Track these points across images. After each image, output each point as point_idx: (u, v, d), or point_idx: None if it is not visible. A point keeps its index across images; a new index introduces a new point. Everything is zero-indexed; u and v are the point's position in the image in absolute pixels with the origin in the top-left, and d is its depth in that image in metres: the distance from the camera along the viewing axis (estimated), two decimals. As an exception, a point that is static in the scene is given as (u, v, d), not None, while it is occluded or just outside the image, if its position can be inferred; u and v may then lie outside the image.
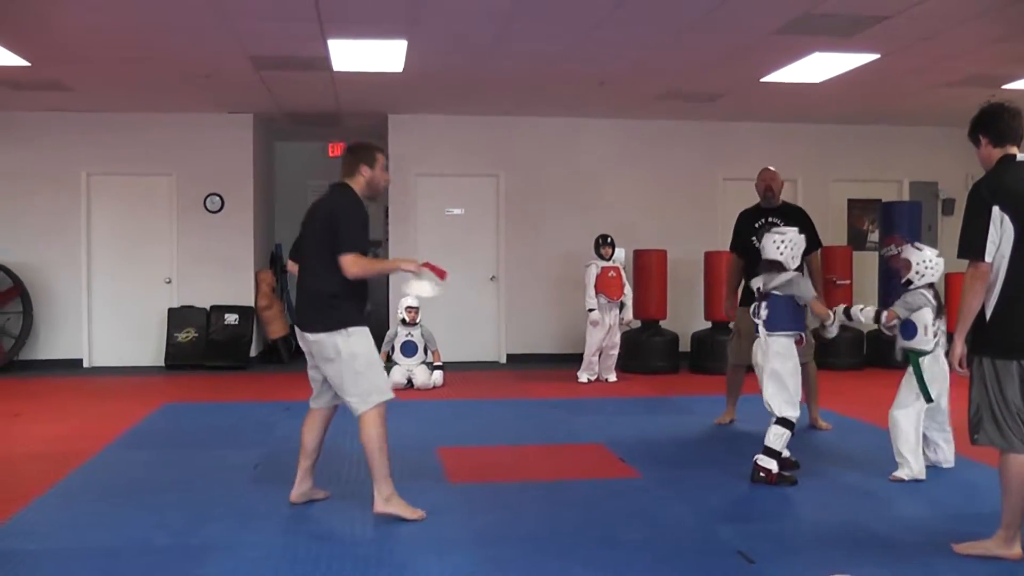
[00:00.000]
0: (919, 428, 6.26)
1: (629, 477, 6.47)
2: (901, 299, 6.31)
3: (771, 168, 8.23)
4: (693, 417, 8.77)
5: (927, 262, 6.29)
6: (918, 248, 6.42)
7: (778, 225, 7.71)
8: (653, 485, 6.23)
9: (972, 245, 4.50)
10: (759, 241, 7.86)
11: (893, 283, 11.65)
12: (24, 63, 9.12)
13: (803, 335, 6.36)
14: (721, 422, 8.26)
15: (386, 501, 5.29)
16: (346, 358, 5.23)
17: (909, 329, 6.28)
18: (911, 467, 6.22)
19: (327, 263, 5.23)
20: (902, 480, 6.21)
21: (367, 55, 9.01)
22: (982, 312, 4.53)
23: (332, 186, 5.57)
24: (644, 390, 10.49)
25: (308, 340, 5.34)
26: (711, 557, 4.73)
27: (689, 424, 8.43)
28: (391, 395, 5.38)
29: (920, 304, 6.23)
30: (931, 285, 6.33)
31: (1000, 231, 4.44)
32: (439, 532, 5.14)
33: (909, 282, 6.32)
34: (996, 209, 4.44)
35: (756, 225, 7.99)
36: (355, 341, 5.26)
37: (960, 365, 4.63)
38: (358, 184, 5.50)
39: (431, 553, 4.75)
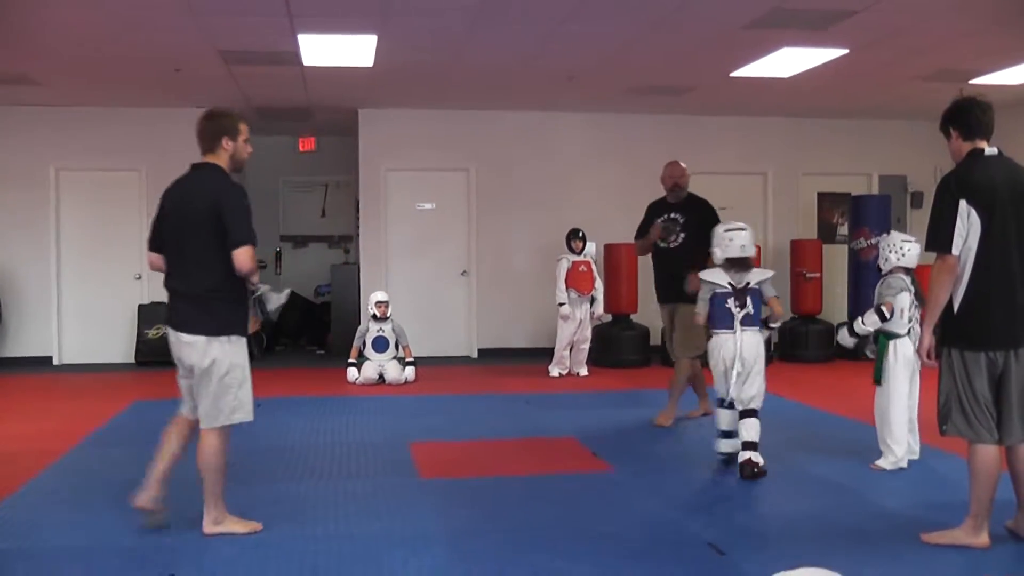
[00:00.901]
0: (905, 416, 6.33)
1: (601, 471, 6.49)
2: (884, 285, 6.37)
3: (680, 163, 8.18)
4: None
5: (893, 245, 6.40)
6: (888, 235, 6.62)
7: (678, 221, 7.83)
8: (625, 478, 6.26)
9: (939, 238, 4.55)
10: (660, 237, 7.88)
11: (862, 276, 11.83)
12: (-11, 58, 9.05)
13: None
14: (694, 415, 8.28)
15: (215, 523, 4.91)
16: (221, 368, 4.81)
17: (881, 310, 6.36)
18: (895, 455, 6.30)
19: (209, 258, 4.75)
20: (883, 469, 6.29)
21: (337, 50, 8.99)
22: (950, 304, 4.58)
23: (198, 167, 4.95)
24: (615, 384, 10.53)
25: (182, 341, 4.83)
26: (683, 549, 4.76)
27: (661, 417, 8.46)
28: (251, 418, 5.00)
29: (900, 287, 6.31)
30: (909, 271, 6.40)
31: (967, 224, 4.49)
32: (413, 528, 5.14)
33: (880, 268, 6.49)
34: (963, 202, 4.49)
35: (660, 220, 7.99)
36: (234, 351, 4.88)
37: (928, 357, 4.70)
38: (222, 160, 4.93)
39: (406, 549, 4.75)
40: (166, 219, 4.95)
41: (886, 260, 6.40)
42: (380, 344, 10.60)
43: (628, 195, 12.89)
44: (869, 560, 4.52)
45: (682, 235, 7.84)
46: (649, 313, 12.27)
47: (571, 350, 11.05)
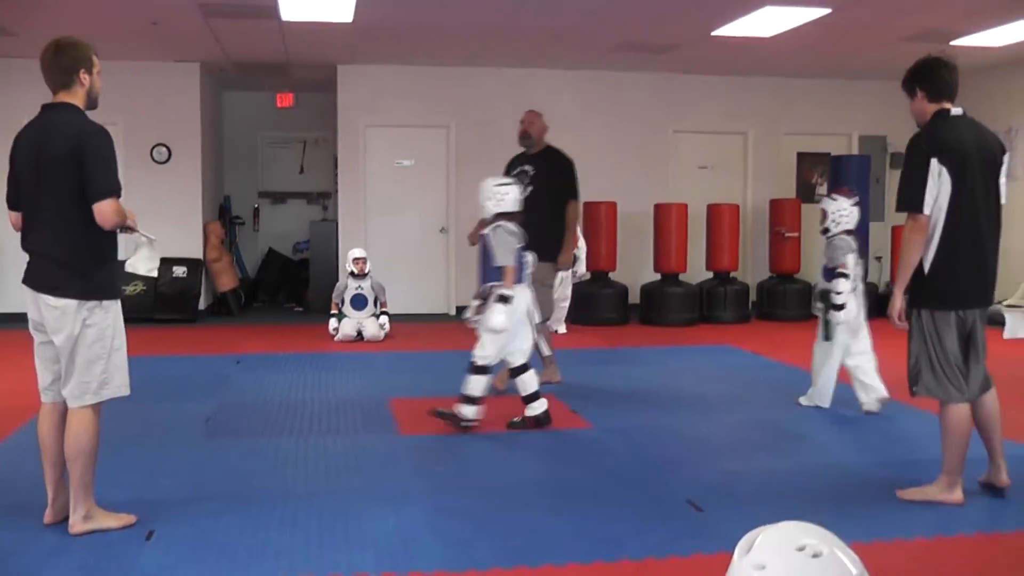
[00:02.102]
0: (833, 363, 6.79)
1: (580, 428, 6.53)
2: (832, 248, 6.75)
3: (534, 111, 7.90)
4: (642, 368, 8.86)
5: (842, 211, 6.81)
6: (833, 199, 6.98)
7: (528, 173, 7.55)
8: (603, 435, 6.30)
9: (911, 198, 4.57)
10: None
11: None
12: (-37, 9, 8.92)
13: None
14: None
15: (85, 519, 4.30)
16: (91, 336, 4.23)
17: (828, 271, 6.76)
18: (812, 395, 6.93)
19: (73, 212, 4.18)
20: (801, 405, 6.95)
21: (317, 4, 8.89)
22: (920, 265, 4.60)
23: (51, 108, 4.32)
24: (594, 341, 10.56)
25: (48, 305, 4.22)
26: (662, 506, 4.80)
27: (638, 375, 8.52)
28: (127, 391, 4.45)
29: (848, 248, 6.68)
30: (850, 232, 6.79)
31: (938, 184, 4.51)
32: (393, 484, 5.17)
33: (827, 230, 6.84)
34: (935, 162, 4.51)
35: (515, 172, 7.70)
36: (107, 318, 4.29)
37: (899, 319, 4.70)
38: (77, 98, 4.31)
39: (386, 505, 4.76)
40: (20, 172, 4.30)
41: (837, 224, 6.79)
42: (358, 302, 10.57)
43: (609, 154, 12.91)
44: (846, 515, 4.55)
45: (530, 187, 7.45)
46: (628, 271, 12.34)
47: (550, 308, 11.06)
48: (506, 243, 6.24)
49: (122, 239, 4.55)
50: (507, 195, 6.39)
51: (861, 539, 4.14)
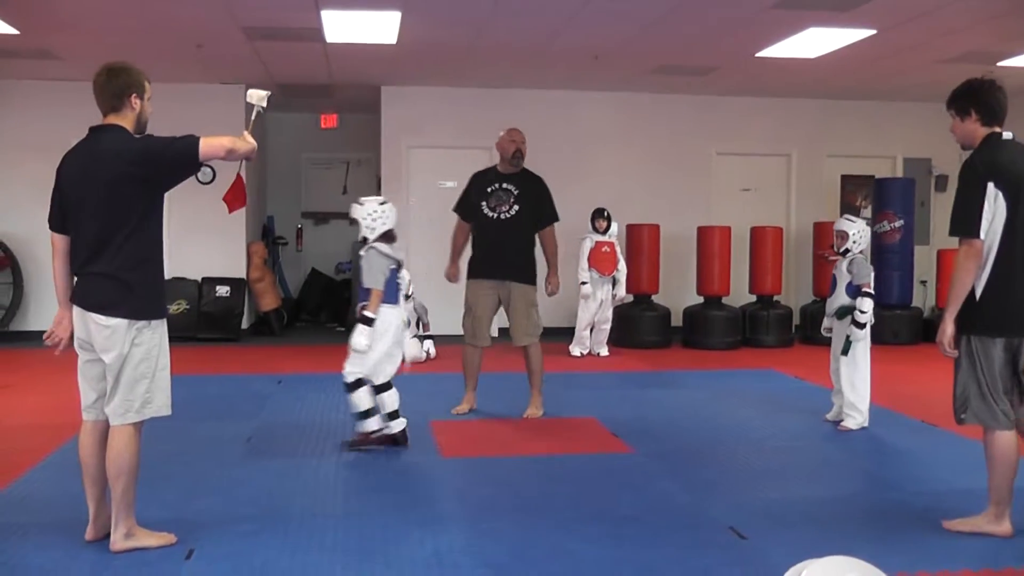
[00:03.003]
0: (868, 381, 6.98)
1: (621, 452, 6.48)
2: (857, 267, 6.93)
3: (518, 129, 7.75)
4: (685, 391, 8.79)
5: (861, 232, 7.05)
6: (851, 220, 7.17)
7: (512, 192, 7.43)
8: (645, 460, 6.24)
9: (966, 222, 4.47)
10: (488, 206, 7.42)
11: (885, 259, 11.76)
12: (13, 31, 9.05)
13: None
14: (461, 411, 7.71)
15: (127, 537, 4.35)
16: (137, 356, 4.28)
17: (853, 289, 6.95)
18: (863, 415, 6.94)
19: (125, 234, 4.23)
20: (850, 429, 6.91)
21: (361, 26, 8.95)
22: (972, 290, 4.51)
23: (100, 130, 4.38)
24: (636, 364, 10.50)
25: (97, 324, 4.25)
26: (703, 532, 4.74)
27: (681, 398, 8.45)
28: (169, 411, 4.49)
29: (870, 268, 7.04)
30: (861, 251, 7.09)
31: (994, 208, 4.42)
32: (433, 507, 5.15)
33: (847, 251, 7.02)
34: (991, 186, 4.42)
35: (488, 189, 7.50)
36: (154, 338, 4.35)
37: (950, 346, 4.57)
38: (127, 121, 4.36)
39: (424, 527, 4.75)
40: (69, 193, 4.36)
41: (857, 244, 7.00)
42: (400, 323, 10.57)
43: (651, 176, 12.90)
44: (890, 545, 4.49)
45: (516, 207, 7.39)
46: (670, 294, 12.28)
47: (592, 330, 11.02)
48: (377, 265, 6.25)
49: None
50: (391, 212, 6.40)
51: (905, 570, 4.08)
